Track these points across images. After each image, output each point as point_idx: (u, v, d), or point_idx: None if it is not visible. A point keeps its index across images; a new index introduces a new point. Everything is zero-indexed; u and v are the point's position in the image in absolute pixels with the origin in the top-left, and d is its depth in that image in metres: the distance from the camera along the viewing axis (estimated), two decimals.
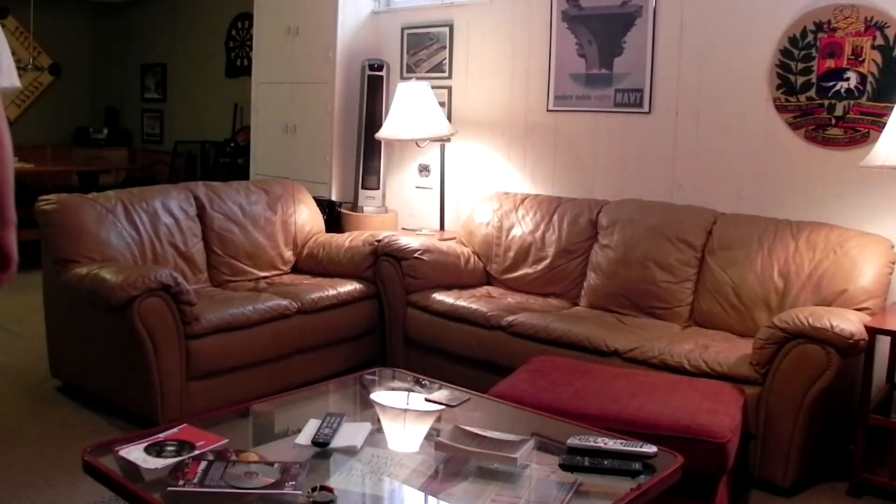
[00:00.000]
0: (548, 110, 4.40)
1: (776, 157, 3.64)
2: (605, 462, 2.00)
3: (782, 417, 2.82)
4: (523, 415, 2.46)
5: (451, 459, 2.07)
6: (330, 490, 1.81)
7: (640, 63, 4.02)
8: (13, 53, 2.57)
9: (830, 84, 3.46)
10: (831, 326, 2.75)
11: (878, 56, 3.34)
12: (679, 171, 3.94)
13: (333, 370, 3.73)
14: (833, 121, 3.47)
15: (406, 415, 2.56)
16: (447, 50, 4.80)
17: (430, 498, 1.96)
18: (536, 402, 2.56)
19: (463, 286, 4.03)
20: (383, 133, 4.56)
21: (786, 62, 3.57)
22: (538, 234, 4.08)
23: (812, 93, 3.51)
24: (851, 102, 3.41)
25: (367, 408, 2.62)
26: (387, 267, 3.98)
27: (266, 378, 3.56)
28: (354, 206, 4.94)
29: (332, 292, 3.89)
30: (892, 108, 3.11)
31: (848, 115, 3.43)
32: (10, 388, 3.75)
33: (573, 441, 2.08)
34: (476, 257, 4.24)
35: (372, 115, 4.91)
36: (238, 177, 5.83)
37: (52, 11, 7.97)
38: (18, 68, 2.39)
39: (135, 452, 1.98)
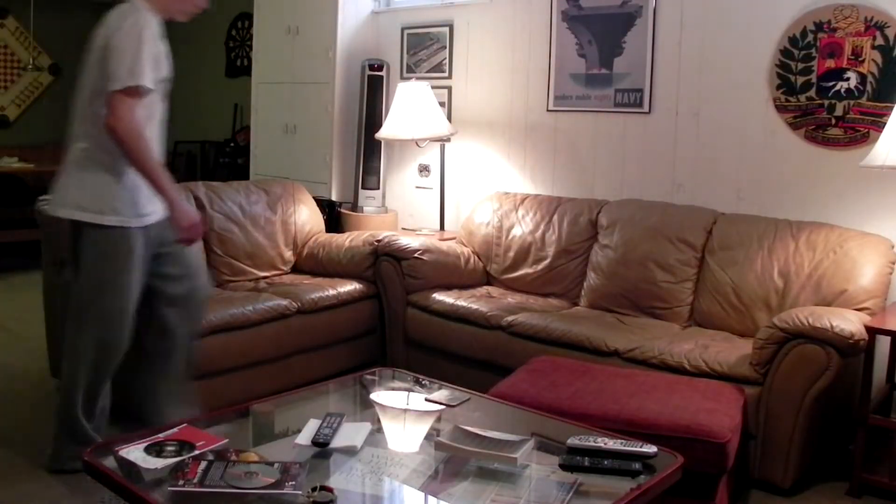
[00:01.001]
0: (548, 110, 4.40)
1: (776, 157, 3.64)
2: (605, 462, 2.00)
3: (782, 417, 2.82)
4: (523, 415, 2.47)
5: (451, 459, 2.07)
6: (330, 490, 1.81)
7: (640, 63, 4.02)
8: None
9: (830, 84, 3.46)
10: (831, 326, 2.75)
11: (878, 56, 3.34)
12: (679, 171, 3.94)
13: (333, 370, 3.73)
14: (833, 121, 3.47)
15: (406, 415, 2.56)
16: (447, 50, 4.80)
17: (430, 498, 1.96)
18: (536, 402, 2.56)
19: (463, 286, 4.03)
20: (383, 133, 4.56)
21: (786, 62, 3.57)
22: (538, 234, 4.08)
23: (812, 93, 3.51)
24: (851, 102, 3.41)
25: (367, 408, 2.62)
26: (387, 267, 3.99)
27: (266, 378, 3.55)
28: (354, 206, 4.94)
29: (332, 292, 3.89)
30: (892, 108, 3.11)
31: (848, 115, 3.43)
32: (10, 388, 3.75)
33: (573, 441, 2.08)
34: (476, 257, 4.24)
35: (372, 115, 4.91)
36: (238, 177, 5.84)
37: (52, 11, 7.97)
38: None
39: (135, 452, 1.98)
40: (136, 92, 2.59)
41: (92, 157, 2.70)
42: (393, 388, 2.72)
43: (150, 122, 2.71)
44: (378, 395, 2.65)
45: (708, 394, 2.70)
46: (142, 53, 2.58)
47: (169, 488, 1.82)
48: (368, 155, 4.94)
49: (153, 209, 2.76)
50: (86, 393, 2.80)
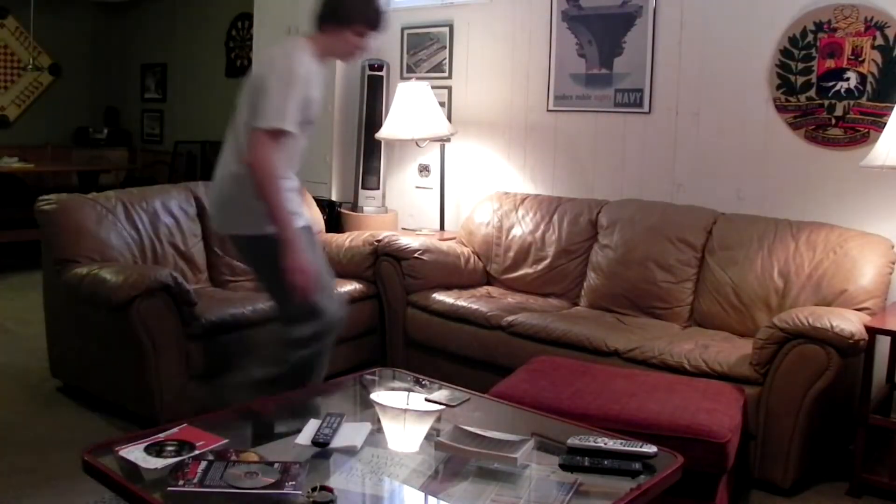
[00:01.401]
0: (548, 110, 4.40)
1: (776, 157, 3.64)
2: (605, 462, 2.00)
3: (782, 417, 2.82)
4: (523, 415, 2.47)
5: (451, 459, 2.07)
6: (330, 490, 1.81)
7: (640, 63, 4.02)
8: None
9: (830, 84, 3.46)
10: (831, 326, 2.75)
11: (878, 56, 3.34)
12: (679, 171, 3.94)
13: (333, 370, 3.73)
14: (833, 121, 3.47)
15: (406, 415, 2.56)
16: (447, 50, 4.80)
17: (430, 498, 1.96)
18: (536, 402, 2.56)
19: (463, 286, 4.03)
20: (383, 133, 4.56)
21: (786, 62, 3.57)
22: (538, 234, 4.08)
23: (812, 93, 3.51)
24: (851, 102, 3.41)
25: (367, 408, 2.62)
26: (387, 267, 3.98)
27: None
28: (354, 206, 4.94)
29: None
30: (892, 108, 3.11)
31: (848, 115, 3.43)
32: (10, 388, 3.75)
33: (573, 441, 2.08)
34: (476, 257, 4.24)
35: (372, 115, 4.91)
36: None
37: (52, 11, 7.97)
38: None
39: (135, 452, 1.98)
40: (278, 134, 2.65)
41: (245, 182, 2.72)
42: (393, 388, 2.72)
43: (291, 160, 2.82)
44: (378, 395, 2.65)
45: (708, 394, 2.70)
46: (290, 98, 2.65)
47: (169, 488, 1.82)
48: (368, 155, 4.93)
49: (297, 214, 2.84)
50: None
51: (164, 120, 8.19)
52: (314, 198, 4.65)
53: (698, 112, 3.86)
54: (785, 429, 2.82)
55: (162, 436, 2.07)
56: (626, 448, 2.06)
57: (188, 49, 7.80)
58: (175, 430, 2.12)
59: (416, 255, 3.93)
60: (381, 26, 2.89)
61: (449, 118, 4.71)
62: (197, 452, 1.99)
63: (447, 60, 4.81)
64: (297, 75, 2.69)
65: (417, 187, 5.00)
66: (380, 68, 4.94)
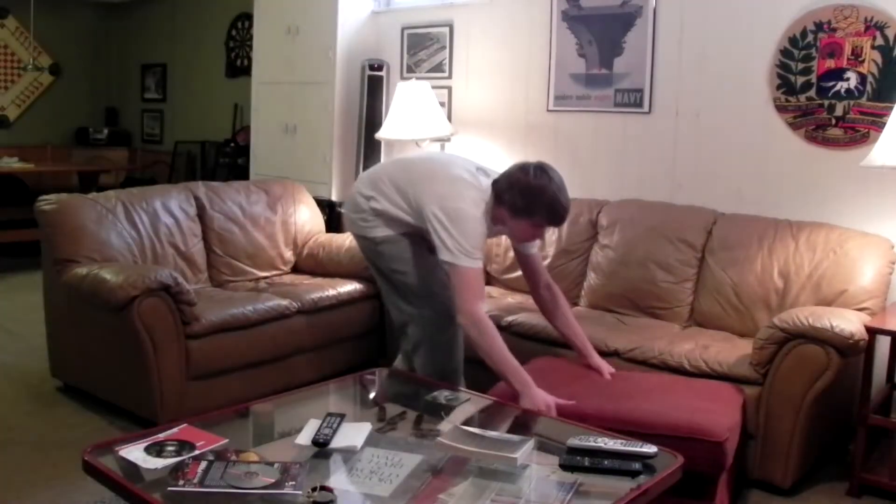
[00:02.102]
0: (548, 110, 4.40)
1: (776, 157, 3.64)
2: (605, 462, 2.00)
3: (782, 417, 2.82)
4: (523, 415, 2.46)
5: (451, 459, 2.07)
6: (330, 490, 1.82)
7: (640, 63, 4.02)
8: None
9: (830, 84, 3.46)
10: (831, 326, 2.75)
11: (878, 56, 3.34)
12: (679, 171, 3.94)
13: (333, 370, 3.73)
14: (833, 121, 3.47)
15: (406, 415, 2.56)
16: (447, 50, 4.80)
17: (431, 498, 1.96)
18: None
19: None
20: (383, 133, 4.56)
21: (786, 62, 3.57)
22: None
23: (812, 93, 3.51)
24: (851, 102, 3.41)
25: (367, 408, 2.62)
26: None
27: (266, 378, 3.56)
28: None
29: (332, 292, 3.89)
30: (892, 108, 3.11)
31: (848, 116, 3.43)
32: (10, 388, 3.75)
33: (573, 441, 2.09)
34: None
35: (372, 115, 4.91)
36: (238, 177, 5.83)
37: (52, 11, 7.97)
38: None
39: (135, 452, 1.98)
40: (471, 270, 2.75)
41: (364, 200, 3.02)
42: (393, 388, 2.72)
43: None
44: (378, 395, 2.65)
45: (706, 394, 2.70)
46: (471, 237, 2.76)
47: (169, 488, 1.82)
48: (368, 155, 4.93)
49: None
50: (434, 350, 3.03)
51: (164, 120, 8.19)
52: (314, 198, 4.66)
53: (698, 112, 3.86)
54: (785, 429, 2.82)
55: (162, 436, 2.07)
56: (625, 448, 2.06)
57: (188, 49, 7.80)
58: (175, 430, 2.12)
59: None
60: (561, 222, 2.90)
61: (449, 118, 4.71)
62: (197, 452, 1.99)
63: (447, 60, 4.81)
64: (470, 232, 2.75)
65: None
66: (380, 68, 4.94)
